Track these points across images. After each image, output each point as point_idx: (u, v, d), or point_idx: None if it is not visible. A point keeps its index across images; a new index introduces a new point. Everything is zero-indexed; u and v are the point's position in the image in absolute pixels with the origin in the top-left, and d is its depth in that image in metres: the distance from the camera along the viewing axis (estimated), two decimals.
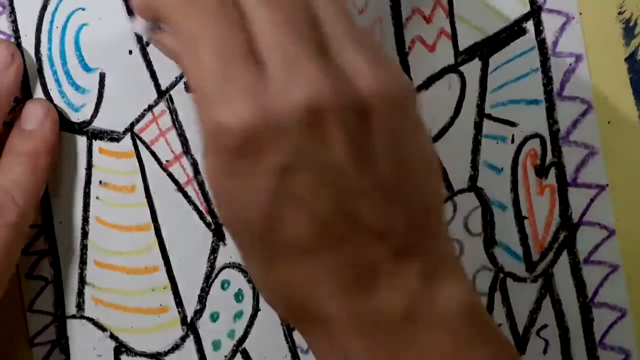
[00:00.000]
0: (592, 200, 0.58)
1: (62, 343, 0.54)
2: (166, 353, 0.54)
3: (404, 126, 0.46)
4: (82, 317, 0.54)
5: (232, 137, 0.43)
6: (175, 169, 0.54)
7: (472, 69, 0.55)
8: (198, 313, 0.54)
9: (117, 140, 0.52)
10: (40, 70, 0.51)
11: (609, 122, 0.57)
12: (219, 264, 0.55)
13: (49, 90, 0.52)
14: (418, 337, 0.46)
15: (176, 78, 0.53)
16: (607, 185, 0.58)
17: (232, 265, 0.55)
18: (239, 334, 0.56)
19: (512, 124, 0.56)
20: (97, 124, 0.52)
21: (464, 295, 0.47)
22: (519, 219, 0.57)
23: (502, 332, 0.50)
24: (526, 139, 0.57)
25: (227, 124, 0.43)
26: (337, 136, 0.44)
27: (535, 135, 0.57)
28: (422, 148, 0.47)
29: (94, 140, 0.52)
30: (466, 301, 0.47)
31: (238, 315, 0.56)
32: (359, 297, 0.45)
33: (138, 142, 0.53)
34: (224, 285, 0.55)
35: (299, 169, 0.44)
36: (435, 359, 0.46)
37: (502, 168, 0.57)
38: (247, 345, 0.56)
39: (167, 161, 0.54)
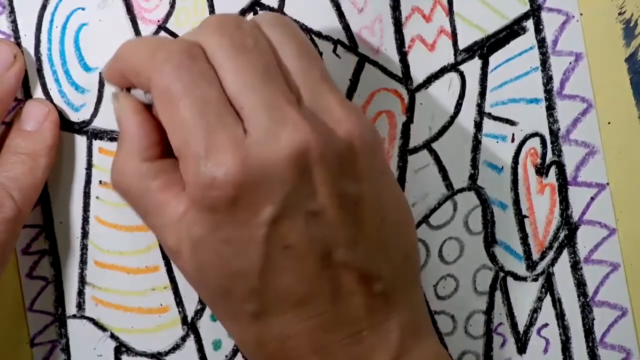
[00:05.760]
0: (592, 199, 0.57)
1: (62, 343, 0.53)
2: (167, 353, 0.54)
3: (381, 172, 0.47)
4: (83, 317, 0.54)
5: (222, 190, 0.43)
6: None
7: (472, 67, 0.55)
8: (198, 313, 0.54)
9: (117, 140, 0.52)
10: (40, 70, 0.51)
11: (609, 123, 0.57)
12: None
13: (49, 90, 0.52)
14: None
15: None
16: (608, 184, 0.58)
17: None
18: None
19: (512, 123, 0.56)
20: (97, 123, 0.52)
21: (440, 349, 0.48)
22: (520, 217, 0.57)
23: None
24: (526, 138, 0.56)
25: (217, 178, 0.43)
26: (323, 183, 0.44)
27: (536, 134, 0.57)
28: (397, 194, 0.48)
29: (93, 140, 0.52)
30: (442, 355, 0.48)
31: None
32: (346, 346, 0.45)
33: None
34: None
35: (289, 217, 0.44)
36: None
37: (502, 167, 0.57)
38: None
39: None
